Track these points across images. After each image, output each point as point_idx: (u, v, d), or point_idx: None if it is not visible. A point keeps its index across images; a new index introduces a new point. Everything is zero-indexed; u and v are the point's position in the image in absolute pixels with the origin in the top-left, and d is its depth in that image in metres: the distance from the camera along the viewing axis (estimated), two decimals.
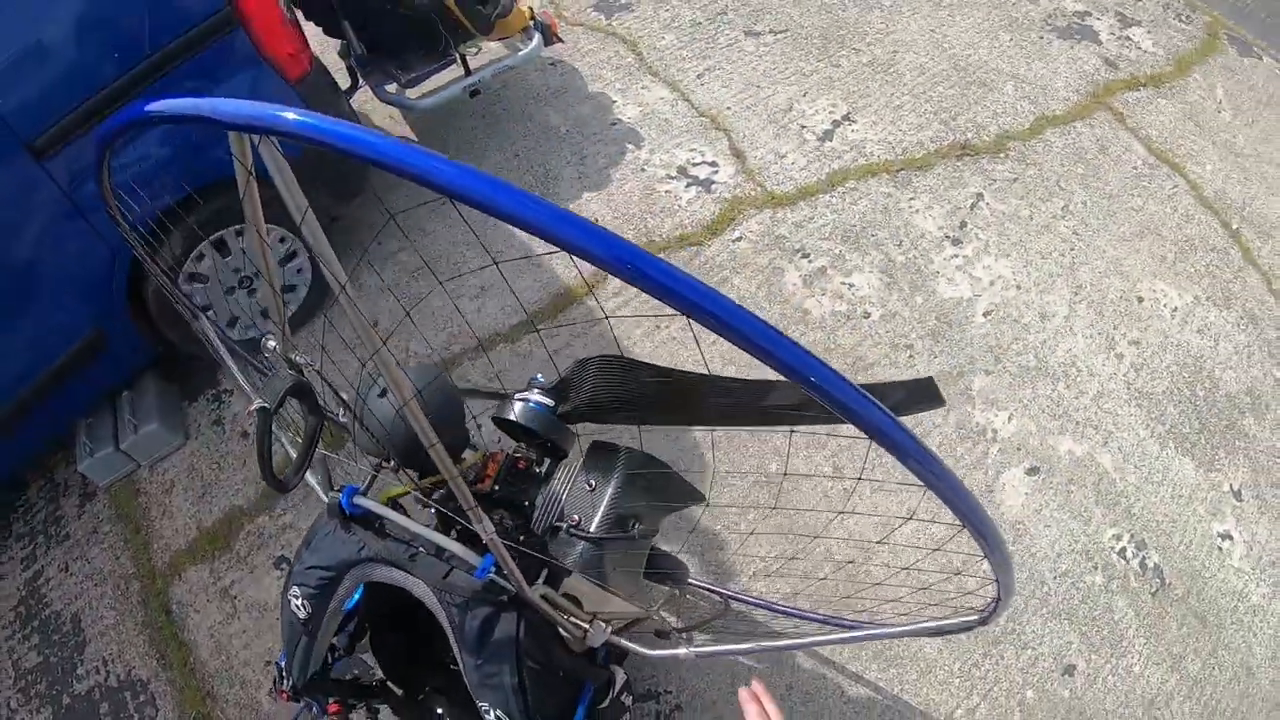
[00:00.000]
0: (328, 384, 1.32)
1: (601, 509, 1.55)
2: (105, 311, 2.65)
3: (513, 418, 1.54)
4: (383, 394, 1.52)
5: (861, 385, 0.77)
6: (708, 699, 2.24)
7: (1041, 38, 3.52)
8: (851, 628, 1.74)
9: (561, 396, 1.60)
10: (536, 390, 1.62)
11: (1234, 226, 3.12)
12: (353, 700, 1.93)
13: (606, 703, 1.75)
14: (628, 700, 1.88)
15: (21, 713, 2.82)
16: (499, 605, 1.36)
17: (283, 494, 1.36)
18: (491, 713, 1.37)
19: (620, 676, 1.84)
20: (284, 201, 0.82)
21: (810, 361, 0.59)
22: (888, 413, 0.64)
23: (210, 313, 2.86)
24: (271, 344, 1.20)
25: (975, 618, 1.32)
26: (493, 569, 1.32)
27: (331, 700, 1.85)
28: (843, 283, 2.83)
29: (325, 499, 1.62)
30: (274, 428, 1.27)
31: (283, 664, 1.73)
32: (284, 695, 1.78)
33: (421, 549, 1.41)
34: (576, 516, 1.56)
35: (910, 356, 2.67)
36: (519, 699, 1.36)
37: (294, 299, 2.89)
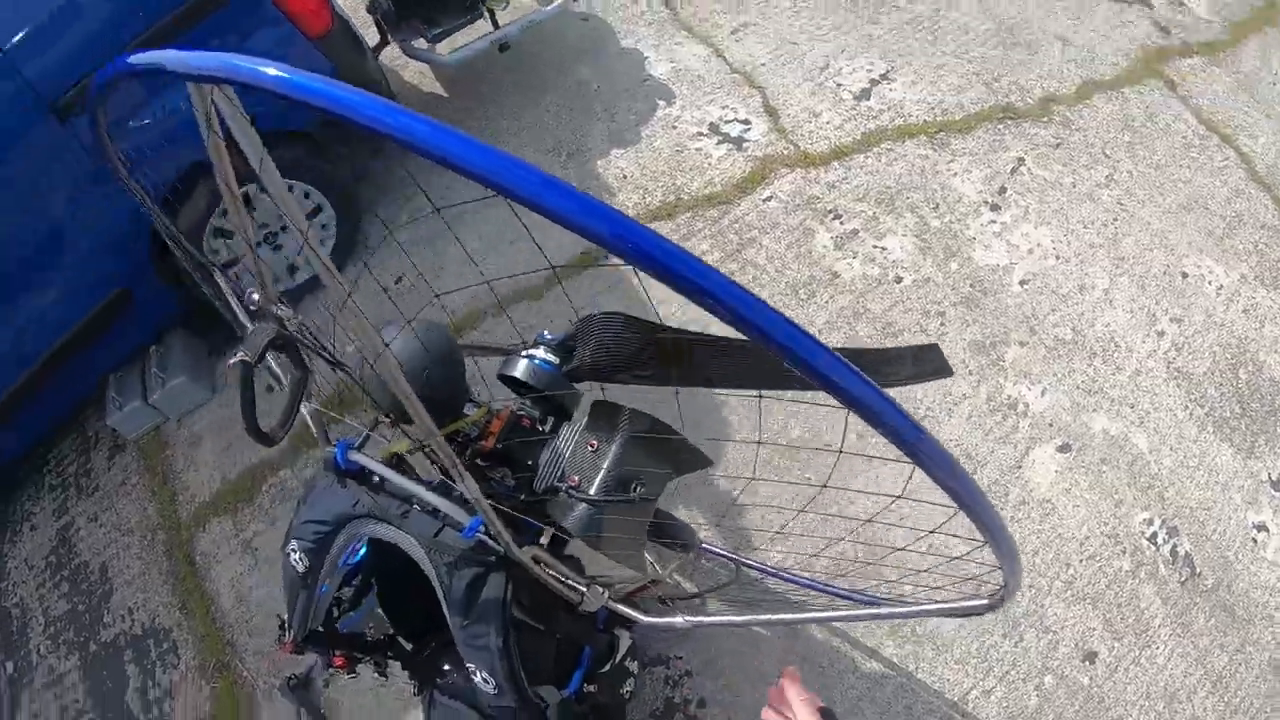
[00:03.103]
0: (315, 340, 1.29)
1: (602, 470, 1.51)
2: (132, 269, 2.67)
3: (517, 375, 1.51)
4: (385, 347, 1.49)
5: (855, 349, 0.72)
6: (719, 666, 2.21)
7: (1094, 1, 3.36)
8: (861, 603, 1.70)
9: (568, 354, 1.56)
10: (543, 347, 1.59)
11: None
12: (358, 654, 1.94)
13: (608, 668, 1.74)
14: (632, 666, 1.87)
15: (51, 658, 2.91)
16: (488, 566, 1.34)
17: (268, 447, 1.34)
18: (478, 674, 1.35)
19: (625, 642, 1.83)
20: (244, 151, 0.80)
21: (771, 316, 0.52)
22: (870, 381, 0.57)
23: (238, 268, 2.88)
24: (255, 296, 1.19)
25: (984, 603, 1.28)
26: (481, 529, 1.30)
27: (336, 654, 1.87)
28: (875, 246, 2.74)
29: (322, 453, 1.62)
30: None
31: (285, 618, 1.74)
32: (287, 648, 1.79)
33: (415, 506, 1.40)
34: (577, 477, 1.52)
35: (941, 324, 2.59)
36: (504, 662, 1.34)
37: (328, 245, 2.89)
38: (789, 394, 1.42)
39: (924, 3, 3.40)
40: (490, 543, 1.32)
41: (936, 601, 1.42)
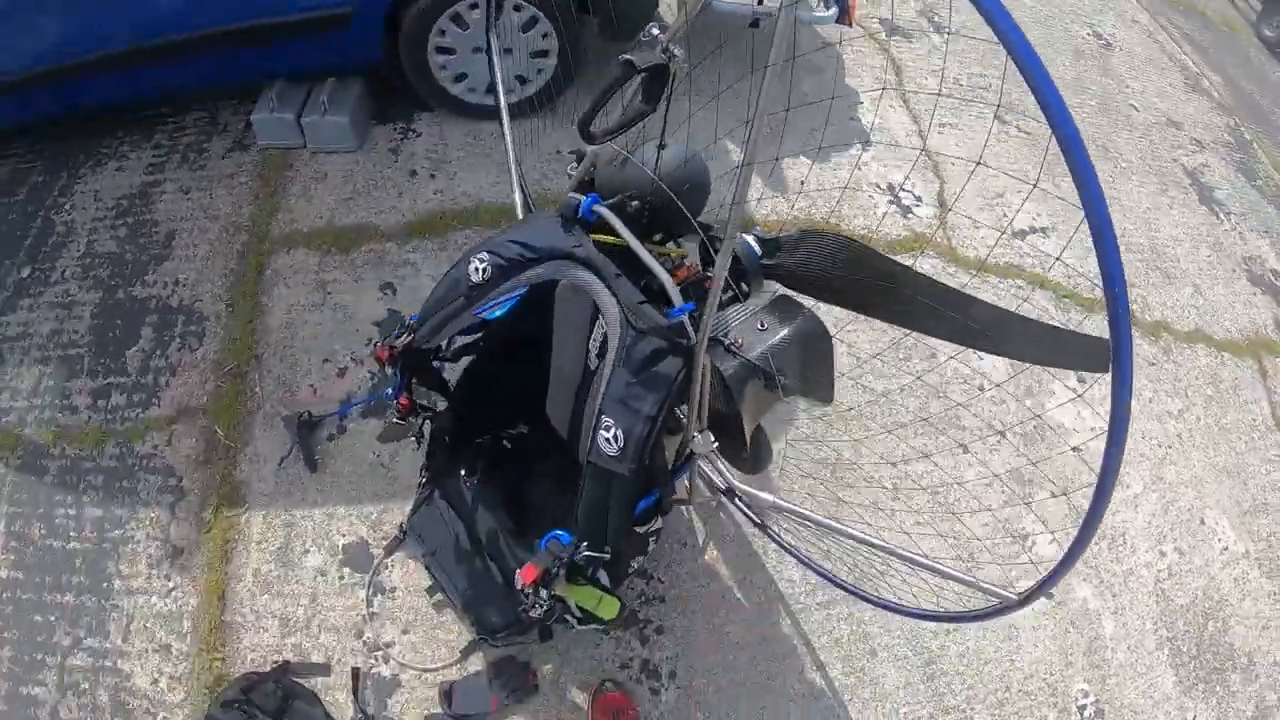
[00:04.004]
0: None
1: (763, 346, 1.65)
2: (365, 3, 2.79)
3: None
4: (663, 147, 1.62)
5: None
6: (691, 636, 2.32)
7: (1234, 270, 3.66)
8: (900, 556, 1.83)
9: (772, 251, 1.70)
10: (754, 236, 1.73)
11: None
12: (424, 406, 2.03)
13: (647, 527, 1.85)
14: (652, 544, 1.97)
15: (73, 284, 2.93)
16: (674, 347, 1.45)
17: (587, 144, 1.46)
18: (610, 431, 1.46)
19: (657, 525, 1.94)
20: None
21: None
22: None
23: (465, 82, 3.02)
24: (655, 31, 1.33)
25: (1015, 598, 1.45)
26: (686, 316, 1.44)
27: (409, 388, 1.95)
28: (977, 354, 2.95)
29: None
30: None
31: (412, 321, 1.82)
32: (383, 353, 1.87)
33: (622, 275, 1.52)
34: (740, 341, 1.66)
35: (998, 443, 2.78)
36: (645, 428, 1.44)
37: (546, 65, 3.01)
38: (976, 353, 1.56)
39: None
40: (690, 332, 1.44)
41: (981, 579, 1.58)
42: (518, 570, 1.62)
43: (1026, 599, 1.46)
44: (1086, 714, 2.47)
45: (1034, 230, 3.39)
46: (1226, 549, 2.97)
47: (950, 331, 1.49)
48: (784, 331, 1.69)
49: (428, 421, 2.10)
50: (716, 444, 1.64)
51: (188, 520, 2.45)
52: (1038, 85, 0.82)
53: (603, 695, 2.14)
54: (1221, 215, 3.87)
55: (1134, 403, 3.01)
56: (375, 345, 1.93)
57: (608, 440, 1.46)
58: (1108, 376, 1.03)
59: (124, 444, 2.58)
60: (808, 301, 1.73)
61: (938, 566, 1.66)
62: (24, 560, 2.46)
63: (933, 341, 2.39)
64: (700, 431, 1.63)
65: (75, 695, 2.27)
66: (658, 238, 1.78)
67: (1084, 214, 0.86)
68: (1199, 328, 3.40)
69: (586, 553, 1.56)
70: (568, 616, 1.74)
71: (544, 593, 1.63)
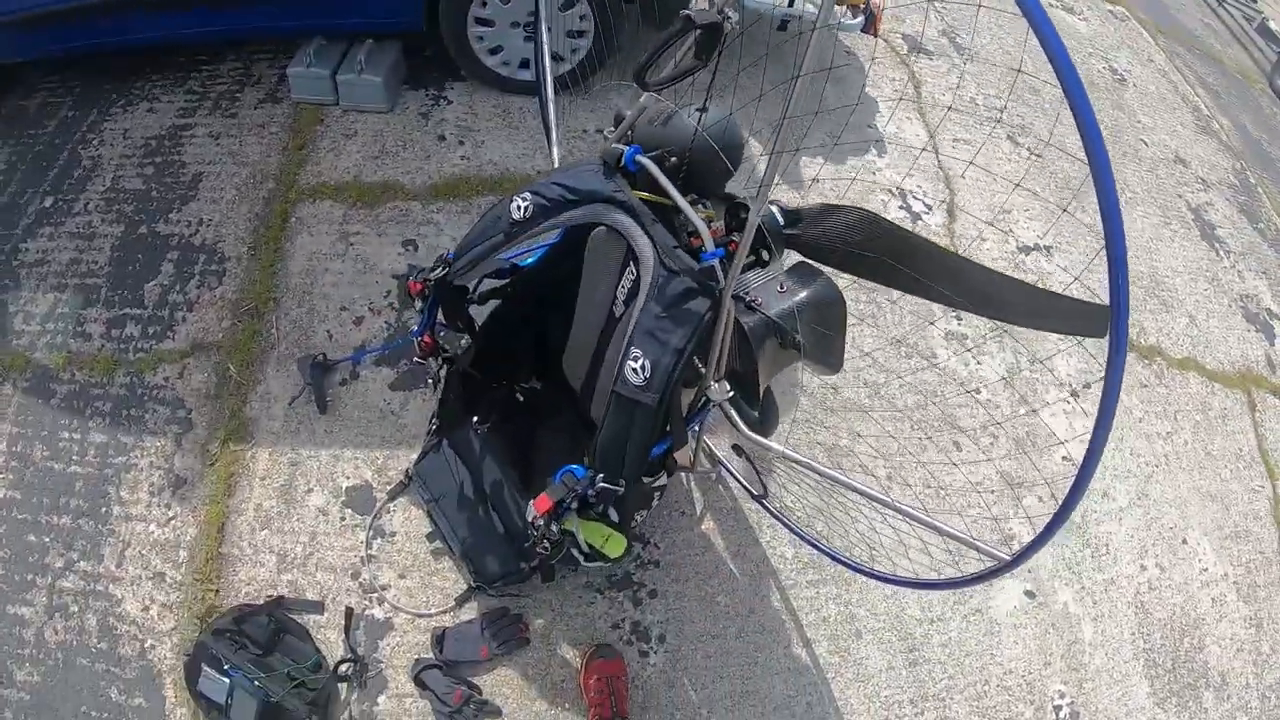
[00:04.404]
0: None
1: (782, 305, 1.71)
2: None
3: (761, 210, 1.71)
4: (703, 111, 1.69)
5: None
6: (682, 603, 2.36)
7: (1230, 306, 3.75)
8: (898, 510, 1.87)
9: (794, 222, 1.76)
10: (778, 207, 1.79)
11: None
12: (446, 347, 2.07)
13: (653, 480, 1.89)
14: (656, 499, 2.02)
15: (95, 216, 2.97)
16: (704, 288, 1.50)
17: (640, 89, 1.53)
18: (639, 360, 1.49)
19: (663, 480, 1.98)
20: None
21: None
22: None
23: (500, 55, 3.09)
24: None
25: (1007, 558, 1.51)
26: (718, 261, 1.49)
27: (428, 332, 1.99)
28: (974, 358, 3.02)
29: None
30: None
31: (449, 256, 1.87)
32: (415, 286, 1.92)
33: (658, 222, 1.58)
34: (760, 299, 1.72)
35: (991, 443, 2.84)
36: (673, 359, 1.48)
37: (581, 46, 3.07)
38: (993, 323, 1.62)
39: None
40: (720, 275, 1.50)
41: (972, 537, 1.64)
42: (530, 502, 1.66)
43: (1019, 558, 1.51)
44: (1062, 714, 2.52)
45: (1037, 247, 3.47)
46: (1206, 570, 3.03)
47: (964, 298, 1.56)
48: (802, 294, 1.75)
49: (445, 366, 2.14)
50: (732, 393, 1.69)
51: (193, 452, 2.47)
52: (1075, 103, 0.90)
53: (596, 660, 2.17)
54: (1222, 252, 3.97)
55: (1125, 419, 3.12)
56: (407, 280, 1.97)
57: (635, 370, 1.50)
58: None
59: (135, 374, 2.60)
60: (826, 271, 1.80)
61: (935, 523, 1.71)
62: (23, 480, 2.48)
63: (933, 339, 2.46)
64: (718, 380, 1.68)
65: (63, 617, 2.29)
66: (689, 198, 1.84)
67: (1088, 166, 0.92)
68: (1192, 356, 3.49)
69: (602, 484, 1.60)
70: (574, 551, 1.77)
71: (554, 527, 1.66)
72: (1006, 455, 2.82)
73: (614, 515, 1.73)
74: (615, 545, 1.71)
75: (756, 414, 1.91)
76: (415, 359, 2.09)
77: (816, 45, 1.28)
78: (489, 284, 2.01)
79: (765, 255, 1.76)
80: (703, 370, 1.69)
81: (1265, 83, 5.61)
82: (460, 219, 2.86)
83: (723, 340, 1.60)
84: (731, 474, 2.47)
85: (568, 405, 2.07)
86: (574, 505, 1.66)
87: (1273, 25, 5.88)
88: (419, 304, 1.93)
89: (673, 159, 1.68)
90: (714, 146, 1.60)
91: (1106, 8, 5.24)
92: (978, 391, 2.95)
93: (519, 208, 1.69)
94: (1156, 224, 3.88)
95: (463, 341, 2.10)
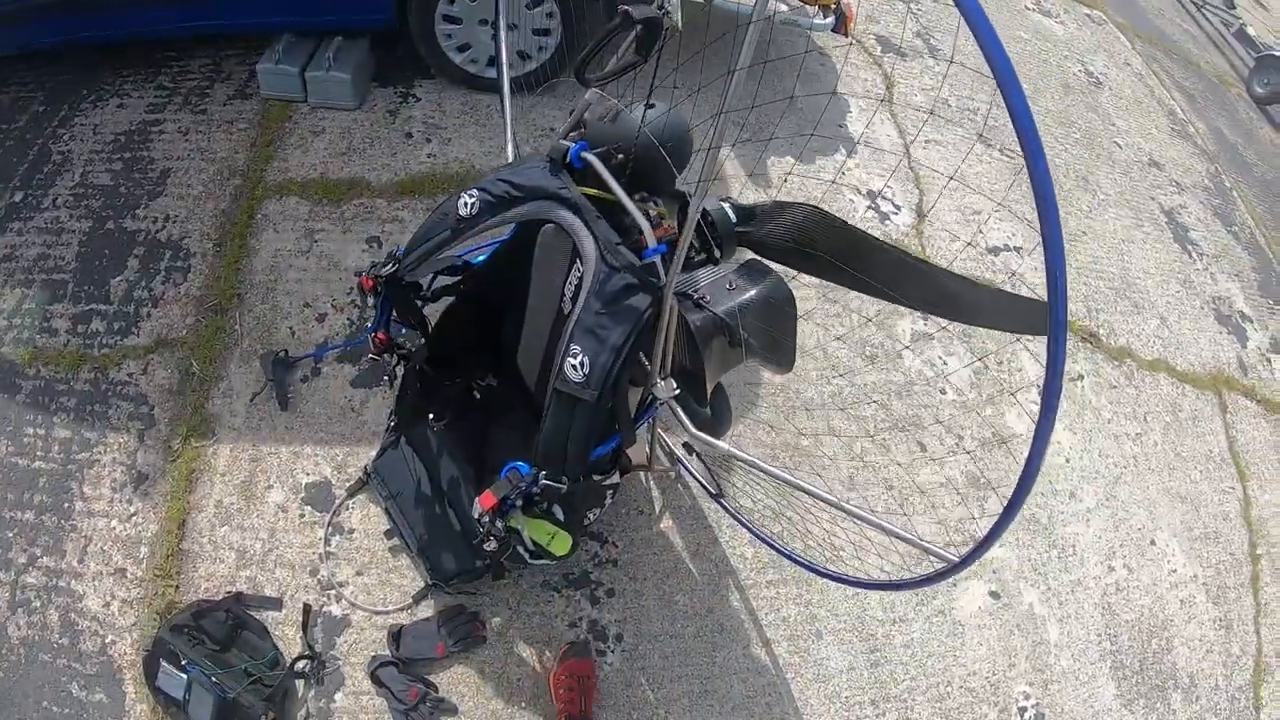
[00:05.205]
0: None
1: (730, 303, 1.71)
2: None
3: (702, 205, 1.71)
4: (650, 107, 1.68)
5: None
6: (640, 602, 2.36)
7: (1202, 308, 3.76)
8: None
9: (746, 219, 1.76)
10: (730, 203, 1.79)
11: (1258, 553, 3.30)
12: (400, 344, 2.06)
13: (606, 479, 1.88)
14: (609, 498, 2.01)
15: (63, 211, 2.96)
16: (645, 285, 1.50)
17: (582, 86, 1.53)
18: (578, 357, 1.49)
19: (615, 479, 1.97)
20: None
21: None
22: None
23: (468, 53, 3.09)
24: None
25: (955, 559, 1.51)
26: (659, 258, 1.49)
27: (389, 323, 1.99)
28: (940, 355, 3.02)
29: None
30: None
31: (398, 253, 1.86)
32: (368, 281, 1.91)
33: (602, 219, 1.58)
34: (708, 296, 1.72)
35: (957, 444, 2.84)
36: (611, 358, 1.49)
37: (547, 44, 3.07)
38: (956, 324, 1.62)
39: (1076, 221, 3.74)
40: (661, 273, 1.50)
41: (919, 536, 1.63)
42: (476, 498, 1.65)
43: (966, 560, 1.51)
44: (1027, 716, 2.52)
45: (1007, 248, 3.48)
46: (1175, 571, 3.03)
47: (913, 299, 1.55)
48: (751, 292, 1.75)
49: (402, 363, 2.13)
50: (678, 390, 1.69)
51: (155, 448, 2.46)
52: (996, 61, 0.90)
53: (570, 658, 2.16)
54: (1194, 255, 3.99)
55: (1093, 420, 3.12)
56: (361, 275, 1.96)
57: (574, 367, 1.50)
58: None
59: (99, 369, 2.60)
60: (776, 269, 1.80)
61: (885, 525, 1.71)
62: None
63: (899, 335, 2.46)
64: (664, 378, 1.68)
65: (26, 613, 2.27)
66: (639, 196, 1.84)
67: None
68: (1162, 357, 3.50)
69: (544, 481, 1.60)
70: (520, 549, 1.77)
71: (499, 523, 1.66)
72: (971, 456, 2.82)
73: (559, 513, 1.72)
74: (561, 544, 1.71)
75: (708, 412, 1.91)
76: (370, 356, 2.09)
77: (756, 40, 1.26)
78: (442, 281, 2.01)
79: (717, 253, 1.76)
80: (648, 368, 1.69)
81: (1242, 87, 5.64)
82: (424, 217, 2.84)
83: (667, 337, 1.60)
84: (690, 473, 2.46)
85: (522, 402, 2.07)
86: (519, 502, 1.65)
87: (1250, 31, 5.90)
88: (371, 300, 1.93)
89: (619, 156, 1.67)
90: (654, 142, 1.59)
91: (1084, 11, 5.27)
92: (943, 391, 2.95)
93: (466, 204, 1.69)
94: (1129, 225, 3.89)
95: (420, 339, 2.10)
